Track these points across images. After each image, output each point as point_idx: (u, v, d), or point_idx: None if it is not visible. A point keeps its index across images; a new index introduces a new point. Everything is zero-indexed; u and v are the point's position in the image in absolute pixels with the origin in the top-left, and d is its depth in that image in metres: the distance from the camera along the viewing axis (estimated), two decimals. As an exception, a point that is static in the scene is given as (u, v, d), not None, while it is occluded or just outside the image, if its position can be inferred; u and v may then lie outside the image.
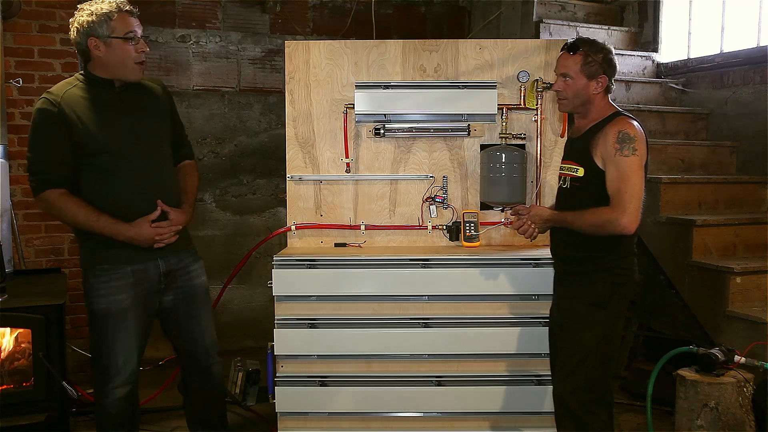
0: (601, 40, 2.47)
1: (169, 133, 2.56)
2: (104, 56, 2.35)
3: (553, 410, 2.53)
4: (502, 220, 3.14)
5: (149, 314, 2.49)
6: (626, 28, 4.68)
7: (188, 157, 2.68)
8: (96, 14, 2.32)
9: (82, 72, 2.44)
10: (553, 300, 2.61)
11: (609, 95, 2.48)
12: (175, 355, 2.71)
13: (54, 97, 2.33)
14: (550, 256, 2.63)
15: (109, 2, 2.35)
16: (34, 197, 2.36)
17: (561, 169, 2.54)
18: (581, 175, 2.41)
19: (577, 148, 2.45)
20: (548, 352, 2.63)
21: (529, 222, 2.52)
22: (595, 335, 2.41)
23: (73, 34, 2.37)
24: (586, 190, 2.40)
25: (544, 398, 2.82)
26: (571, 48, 2.42)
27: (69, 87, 2.38)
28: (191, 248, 2.61)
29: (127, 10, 2.37)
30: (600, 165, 2.35)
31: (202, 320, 2.59)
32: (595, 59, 2.39)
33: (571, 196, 2.47)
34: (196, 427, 2.70)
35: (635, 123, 2.37)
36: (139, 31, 2.39)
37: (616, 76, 2.48)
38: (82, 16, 2.34)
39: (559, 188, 2.55)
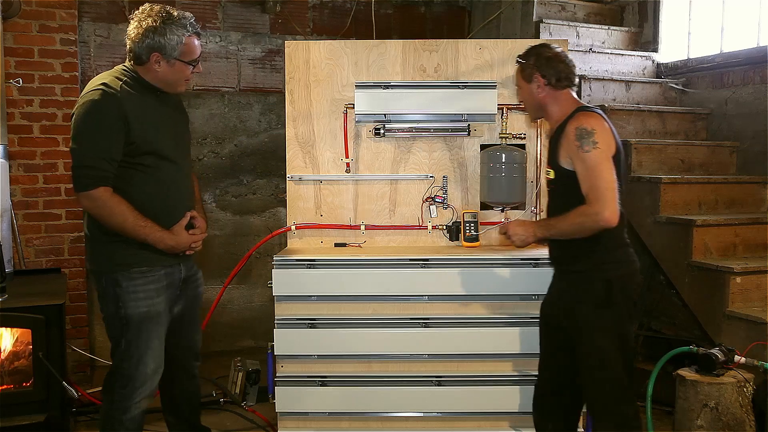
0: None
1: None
2: (161, 72, 2.31)
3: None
4: (502, 220, 3.14)
5: (170, 319, 2.47)
6: (626, 28, 4.67)
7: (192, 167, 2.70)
8: (168, 32, 2.25)
9: (125, 68, 2.34)
10: (549, 295, 2.57)
11: (571, 91, 2.43)
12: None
13: (114, 91, 2.23)
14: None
15: (183, 19, 2.29)
16: (78, 192, 2.23)
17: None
18: (553, 177, 2.41)
19: (549, 151, 2.46)
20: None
21: (514, 239, 2.48)
22: (609, 336, 2.36)
23: (135, 33, 2.27)
24: (560, 191, 2.40)
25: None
26: (516, 62, 2.49)
27: (121, 83, 2.28)
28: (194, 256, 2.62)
29: (196, 32, 2.33)
30: (566, 166, 2.33)
31: (197, 325, 2.65)
32: (527, 63, 2.42)
33: (551, 198, 2.49)
34: (183, 429, 2.69)
35: (596, 115, 2.33)
36: (199, 51, 2.37)
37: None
38: (153, 23, 2.25)
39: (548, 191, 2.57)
